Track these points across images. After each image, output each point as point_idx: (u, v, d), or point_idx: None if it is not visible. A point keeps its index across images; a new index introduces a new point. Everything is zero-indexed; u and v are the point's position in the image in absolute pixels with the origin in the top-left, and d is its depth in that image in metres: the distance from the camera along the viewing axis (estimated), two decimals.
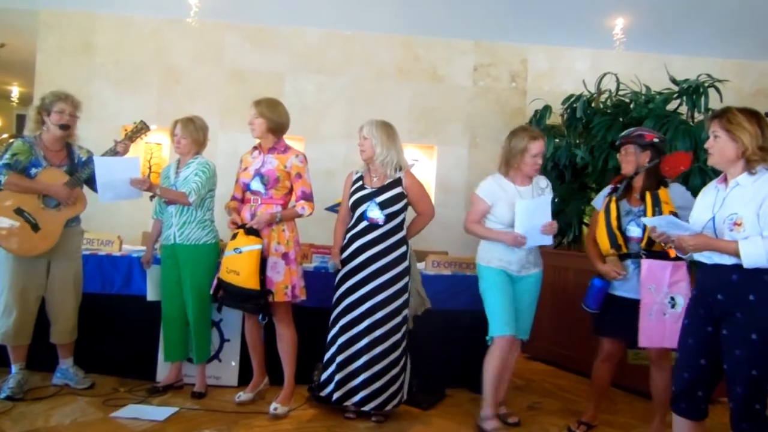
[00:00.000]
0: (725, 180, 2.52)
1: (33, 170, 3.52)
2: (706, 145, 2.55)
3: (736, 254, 2.31)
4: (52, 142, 3.61)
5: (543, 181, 3.55)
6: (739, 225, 2.35)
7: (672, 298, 3.07)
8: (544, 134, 5.31)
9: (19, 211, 3.47)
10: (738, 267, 2.35)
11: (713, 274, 2.46)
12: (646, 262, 3.05)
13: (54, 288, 3.62)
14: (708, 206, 2.53)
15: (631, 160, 3.27)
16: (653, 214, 3.07)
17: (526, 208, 3.33)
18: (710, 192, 2.59)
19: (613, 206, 3.28)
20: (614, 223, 3.23)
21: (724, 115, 2.48)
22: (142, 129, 3.76)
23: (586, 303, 3.33)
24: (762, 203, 2.33)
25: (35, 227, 3.48)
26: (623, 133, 3.39)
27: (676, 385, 2.60)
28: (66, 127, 3.59)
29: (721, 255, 2.40)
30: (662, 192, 3.18)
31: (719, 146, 2.47)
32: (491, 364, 3.33)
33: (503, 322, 3.31)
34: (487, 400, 3.35)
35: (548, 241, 3.37)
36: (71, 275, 3.67)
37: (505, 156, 3.48)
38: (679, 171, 3.44)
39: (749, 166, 2.42)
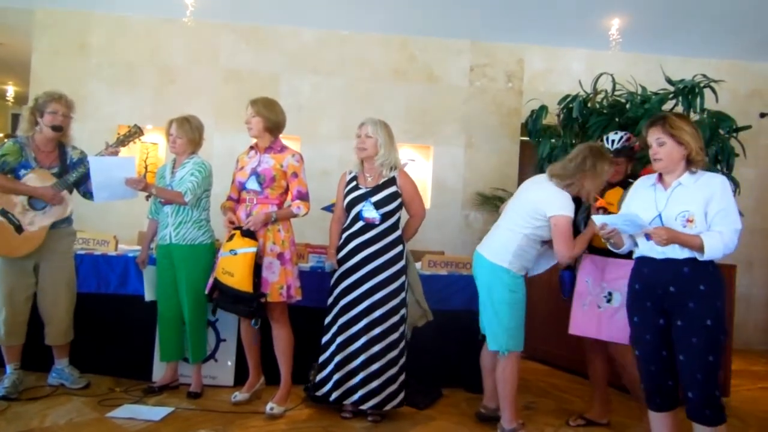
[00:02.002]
0: (660, 180, 2.67)
1: (22, 171, 3.51)
2: (651, 153, 2.66)
3: (700, 248, 2.46)
4: (44, 143, 3.60)
5: None
6: (692, 222, 2.52)
7: (609, 293, 3.25)
8: (540, 135, 5.39)
9: (3, 213, 3.46)
10: (690, 260, 2.53)
11: (665, 268, 2.59)
12: (586, 257, 3.35)
13: (45, 289, 3.61)
14: (648, 205, 2.66)
15: (621, 170, 3.45)
16: (587, 212, 3.34)
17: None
18: (646, 191, 2.73)
19: None
20: None
21: (665, 121, 2.62)
22: (135, 133, 3.73)
23: (561, 293, 3.62)
24: (708, 202, 2.52)
25: (19, 229, 3.47)
26: (617, 146, 3.46)
27: (646, 381, 2.72)
28: (58, 129, 3.57)
29: (674, 249, 2.55)
30: (611, 192, 3.35)
31: (667, 151, 2.61)
32: (515, 377, 3.23)
33: (523, 336, 3.25)
34: (513, 412, 3.24)
35: None
36: (62, 276, 3.65)
37: (579, 173, 3.14)
38: None
39: (692, 166, 2.60)
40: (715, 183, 2.55)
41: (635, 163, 3.52)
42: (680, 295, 2.54)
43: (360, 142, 3.50)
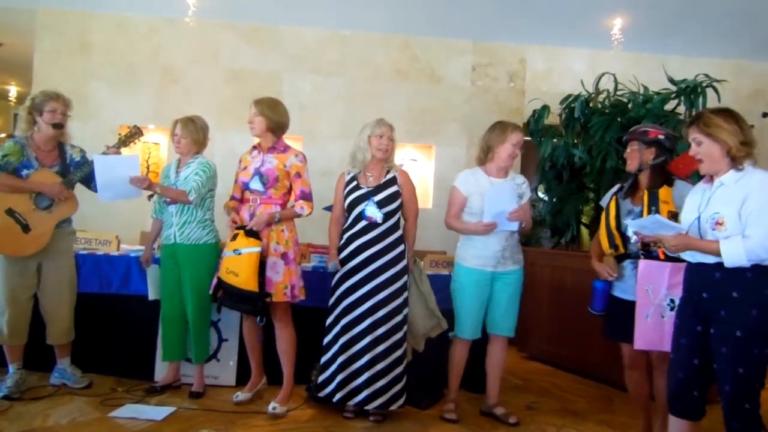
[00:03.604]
0: (711, 180, 2.54)
1: (24, 171, 3.51)
2: (691, 153, 2.54)
3: (718, 254, 2.34)
4: (44, 142, 3.60)
5: (519, 178, 3.65)
6: (721, 224, 2.37)
7: (672, 300, 2.94)
8: (542, 134, 5.39)
9: (10, 212, 3.46)
10: (720, 265, 2.37)
11: (697, 273, 2.49)
12: (643, 263, 2.94)
13: (47, 289, 3.61)
14: (695, 206, 2.55)
15: (635, 156, 3.19)
16: (649, 214, 2.98)
17: (493, 194, 3.44)
18: (698, 192, 2.60)
19: (612, 205, 3.20)
20: (612, 222, 3.15)
21: (699, 120, 2.50)
22: (135, 134, 3.74)
23: (590, 306, 3.25)
24: (743, 202, 2.35)
25: (26, 228, 3.47)
26: (630, 130, 3.32)
27: (671, 386, 2.61)
28: (59, 126, 3.58)
29: (704, 254, 2.43)
30: (663, 191, 3.06)
31: (704, 151, 2.48)
32: (456, 360, 3.61)
33: (467, 326, 3.53)
34: (451, 393, 3.64)
35: (514, 227, 3.49)
36: (64, 276, 3.65)
37: (483, 147, 3.63)
38: (692, 169, 3.22)
39: (736, 163, 2.44)
40: (753, 181, 2.37)
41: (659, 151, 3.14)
42: (713, 302, 2.41)
43: (383, 143, 3.52)
